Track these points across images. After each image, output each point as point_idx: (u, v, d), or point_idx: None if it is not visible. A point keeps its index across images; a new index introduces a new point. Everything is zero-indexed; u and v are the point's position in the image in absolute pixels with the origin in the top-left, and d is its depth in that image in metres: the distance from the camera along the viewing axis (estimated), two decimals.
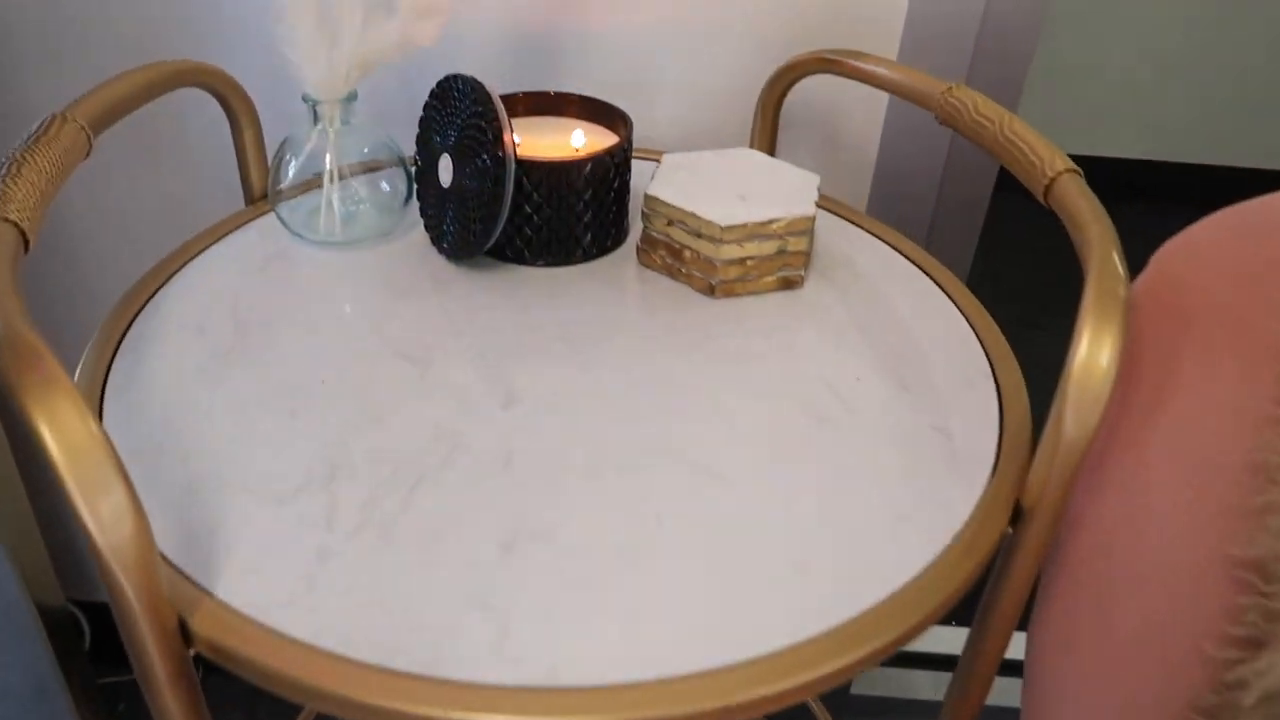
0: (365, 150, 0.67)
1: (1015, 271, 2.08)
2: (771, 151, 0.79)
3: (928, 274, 0.68)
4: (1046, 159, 0.55)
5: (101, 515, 0.36)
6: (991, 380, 0.58)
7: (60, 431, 0.35)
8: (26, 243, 0.45)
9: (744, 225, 0.61)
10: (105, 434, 0.36)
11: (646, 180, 0.65)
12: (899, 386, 0.57)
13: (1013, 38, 0.78)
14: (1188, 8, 2.21)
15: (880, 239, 0.72)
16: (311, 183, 0.67)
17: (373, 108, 0.69)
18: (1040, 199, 0.55)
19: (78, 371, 0.55)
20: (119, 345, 0.57)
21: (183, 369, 0.55)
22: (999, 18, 0.78)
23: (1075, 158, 0.55)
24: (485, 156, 0.60)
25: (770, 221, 0.61)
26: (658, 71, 0.81)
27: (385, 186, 0.69)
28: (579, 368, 0.57)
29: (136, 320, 0.59)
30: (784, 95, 0.76)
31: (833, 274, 0.67)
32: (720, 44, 0.80)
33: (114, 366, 0.55)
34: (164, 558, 0.44)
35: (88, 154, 0.54)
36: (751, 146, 0.79)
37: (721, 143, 0.83)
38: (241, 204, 0.72)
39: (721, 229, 0.60)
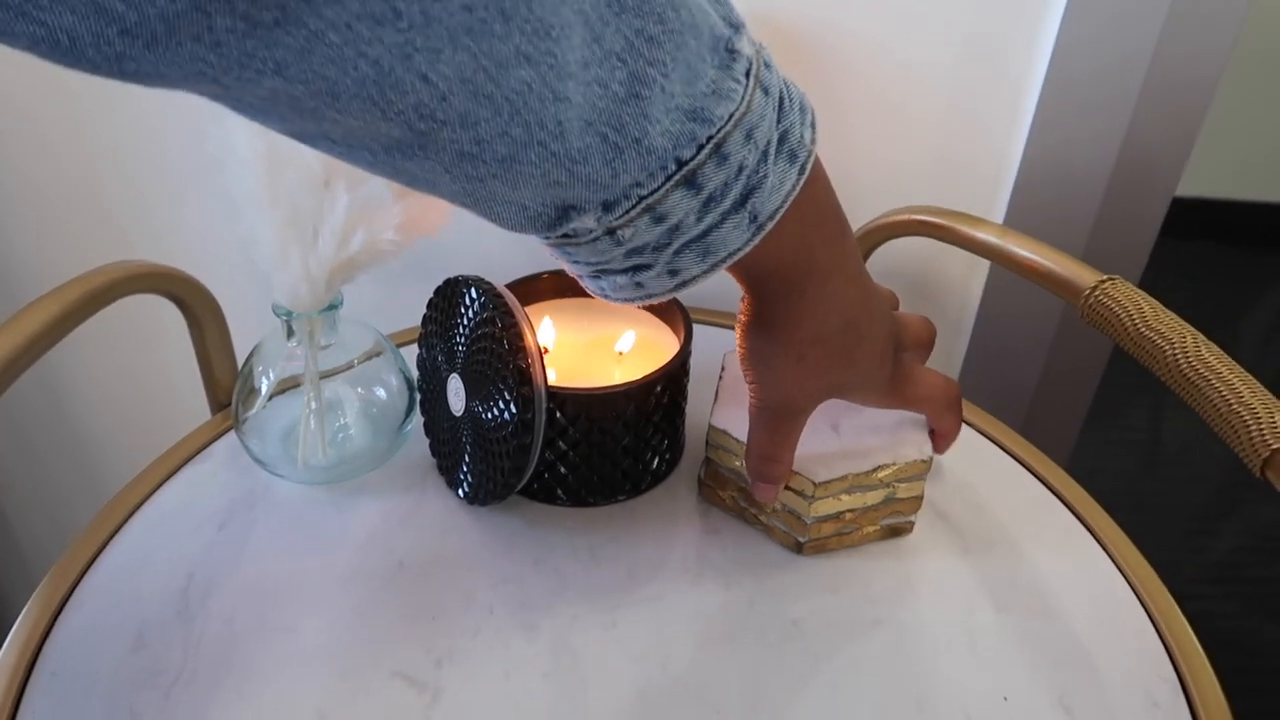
0: (354, 362, 0.53)
1: (1120, 460, 1.61)
2: None
3: (1064, 502, 0.54)
4: (1265, 419, 0.41)
5: None
6: (1179, 693, 0.44)
7: None
8: None
9: (843, 479, 0.47)
10: None
11: (705, 369, 0.51)
12: (1061, 710, 0.43)
13: (1147, 196, 0.64)
14: None
15: (996, 443, 0.58)
16: (287, 383, 0.54)
17: (361, 291, 0.55)
18: (1254, 470, 0.41)
19: None
20: (30, 670, 0.44)
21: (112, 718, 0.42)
22: (1132, 172, 0.64)
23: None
24: (503, 388, 0.47)
25: (876, 470, 0.47)
26: None
27: (381, 394, 0.55)
28: (637, 689, 0.43)
29: (57, 624, 0.46)
30: (868, 256, 0.62)
31: (945, 505, 0.53)
32: None
33: (22, 711, 0.42)
34: None
35: None
36: None
37: None
38: (204, 405, 0.59)
39: (814, 485, 0.46)
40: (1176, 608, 0.48)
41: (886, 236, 0.60)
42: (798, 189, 0.33)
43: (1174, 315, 0.47)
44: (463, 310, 0.49)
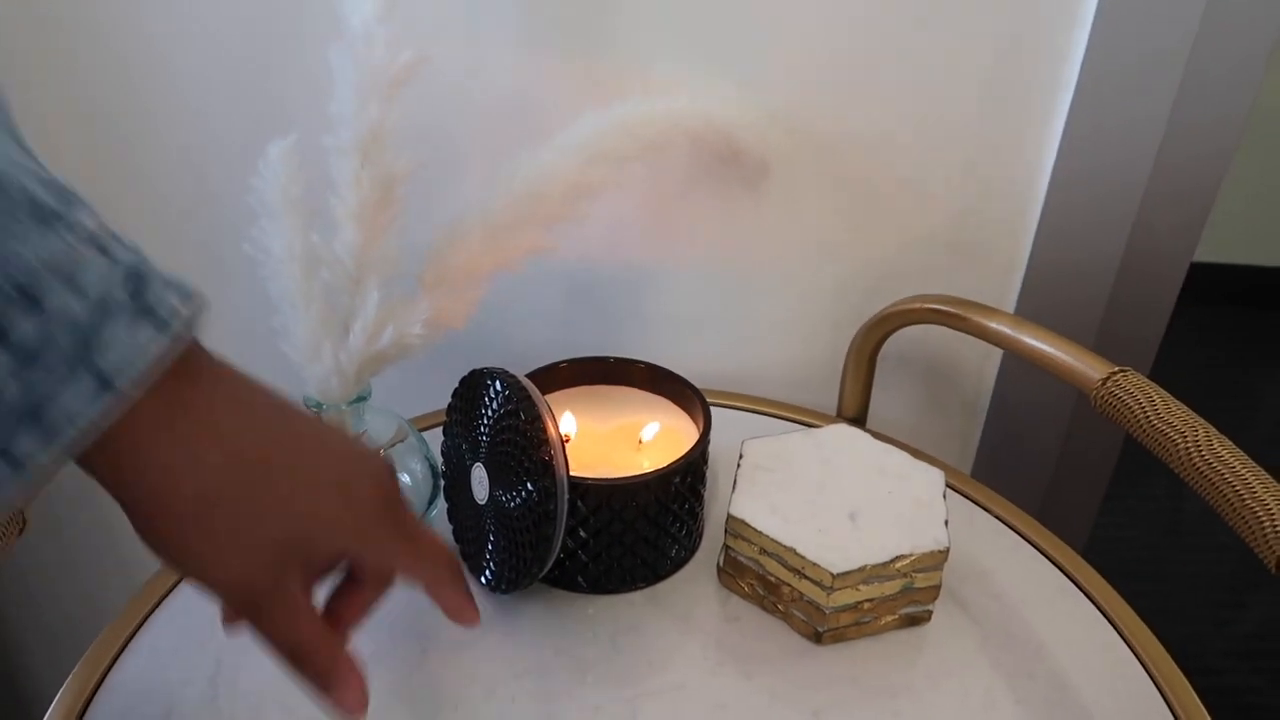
0: (380, 450, 0.55)
1: (1141, 530, 1.60)
2: (866, 402, 0.66)
3: (1083, 590, 0.54)
4: (1278, 514, 0.41)
5: None
6: None
7: None
8: None
9: (861, 569, 0.47)
10: None
11: (725, 454, 0.52)
12: None
13: (1159, 276, 0.65)
14: None
15: (1014, 529, 0.58)
16: None
17: (385, 376, 0.57)
18: (1269, 565, 0.42)
19: None
20: None
21: None
22: (1143, 255, 0.65)
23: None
24: (526, 479, 0.48)
25: (894, 560, 0.48)
26: (734, 307, 0.69)
27: (405, 480, 0.56)
28: None
29: (88, 712, 0.46)
30: (882, 342, 0.63)
31: (962, 592, 0.53)
32: (808, 281, 0.68)
33: None
34: None
35: (22, 530, 0.42)
36: (841, 392, 0.67)
37: (806, 384, 0.70)
38: None
39: (833, 576, 0.47)
40: (1199, 702, 0.48)
41: (900, 324, 0.61)
42: (165, 354, 0.30)
43: (1184, 407, 0.47)
44: (486, 401, 0.51)
